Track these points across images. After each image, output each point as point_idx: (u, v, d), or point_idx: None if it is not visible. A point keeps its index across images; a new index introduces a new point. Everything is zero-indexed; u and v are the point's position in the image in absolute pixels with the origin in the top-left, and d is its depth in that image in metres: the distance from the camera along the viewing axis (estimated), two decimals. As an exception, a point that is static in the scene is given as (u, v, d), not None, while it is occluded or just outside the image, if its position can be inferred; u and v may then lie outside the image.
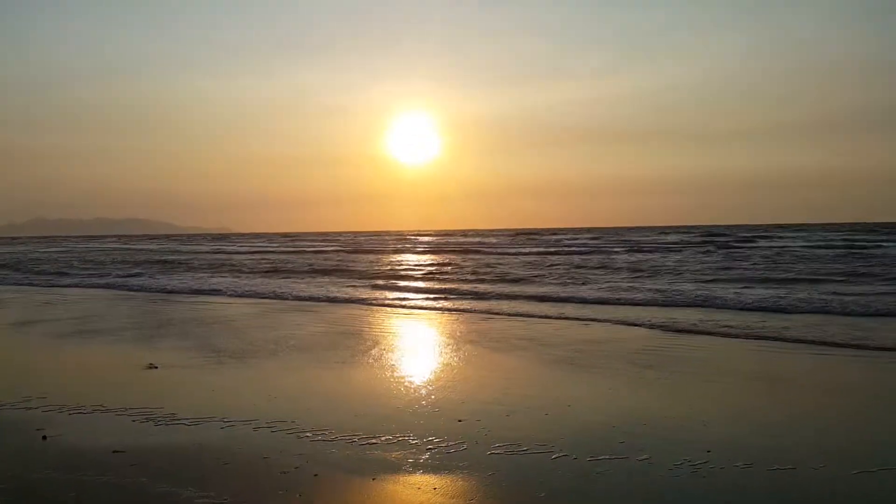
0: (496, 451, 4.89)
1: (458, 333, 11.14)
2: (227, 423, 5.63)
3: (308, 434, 5.29)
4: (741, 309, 13.45)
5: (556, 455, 4.80)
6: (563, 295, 16.58)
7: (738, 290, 16.76)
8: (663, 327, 11.21)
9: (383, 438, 5.19)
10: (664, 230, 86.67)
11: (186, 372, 8.01)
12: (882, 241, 42.53)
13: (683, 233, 71.19)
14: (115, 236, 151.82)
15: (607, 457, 4.76)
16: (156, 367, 7.90)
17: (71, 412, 6.03)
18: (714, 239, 52.40)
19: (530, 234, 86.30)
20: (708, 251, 36.65)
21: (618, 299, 15.49)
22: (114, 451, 4.92)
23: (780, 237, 53.40)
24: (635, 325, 11.61)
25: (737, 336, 10.26)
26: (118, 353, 9.42)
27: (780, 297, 14.92)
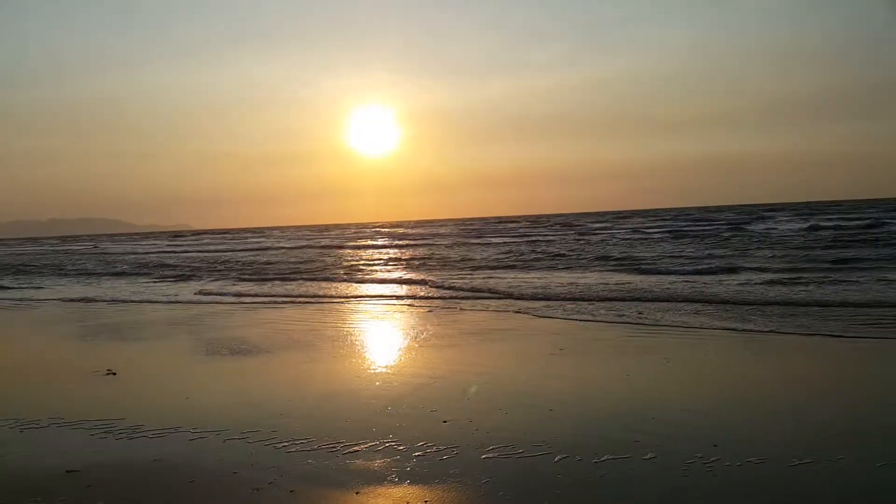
0: (490, 455, 4.48)
1: (432, 326, 10.69)
2: (196, 434, 5.15)
3: (285, 444, 4.84)
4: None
5: (558, 457, 4.40)
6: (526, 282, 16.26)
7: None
8: (636, 321, 10.91)
9: (365, 445, 4.75)
10: (622, 214, 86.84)
11: (150, 377, 7.50)
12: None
13: (646, 217, 71.04)
14: (51, 238, 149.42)
15: (610, 456, 4.39)
16: (114, 374, 7.36)
17: (24, 427, 5.50)
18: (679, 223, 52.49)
19: (499, 222, 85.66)
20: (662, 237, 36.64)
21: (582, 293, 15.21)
22: (67, 471, 4.42)
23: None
24: (603, 321, 11.29)
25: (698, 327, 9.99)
26: (75, 359, 8.84)
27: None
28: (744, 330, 9.17)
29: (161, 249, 51.10)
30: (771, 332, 8.95)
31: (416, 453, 4.56)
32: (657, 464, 4.28)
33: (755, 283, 14.25)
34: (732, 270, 17.53)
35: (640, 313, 10.99)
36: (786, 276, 15.45)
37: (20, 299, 17.83)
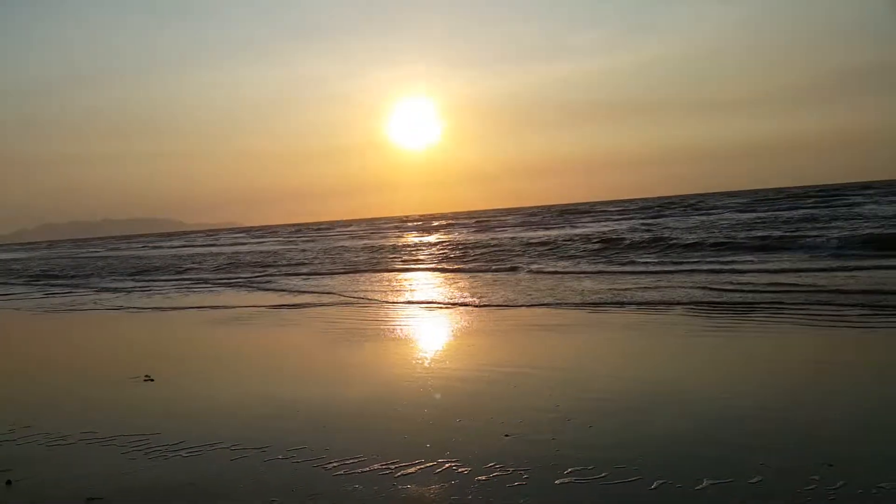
0: (567, 480, 3.85)
1: (484, 324, 10.06)
2: (237, 452, 4.65)
3: (334, 463, 4.29)
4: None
5: (655, 483, 3.73)
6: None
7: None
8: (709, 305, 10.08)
9: (420, 466, 4.17)
10: (667, 202, 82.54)
11: (188, 383, 7.06)
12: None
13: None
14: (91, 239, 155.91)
15: (711, 481, 3.71)
16: (151, 380, 6.96)
17: (51, 444, 5.09)
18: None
19: (539, 213, 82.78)
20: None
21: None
22: (88, 499, 3.97)
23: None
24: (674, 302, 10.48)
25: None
26: (110, 364, 8.47)
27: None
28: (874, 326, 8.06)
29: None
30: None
31: (479, 477, 3.96)
32: (766, 489, 3.60)
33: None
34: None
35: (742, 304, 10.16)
36: None
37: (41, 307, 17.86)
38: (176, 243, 72.13)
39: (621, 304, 11.00)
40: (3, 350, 10.81)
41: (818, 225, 25.61)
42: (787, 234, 22.52)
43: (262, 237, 71.95)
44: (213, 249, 47.92)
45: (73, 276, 28.79)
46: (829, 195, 48.75)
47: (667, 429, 4.66)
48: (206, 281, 22.11)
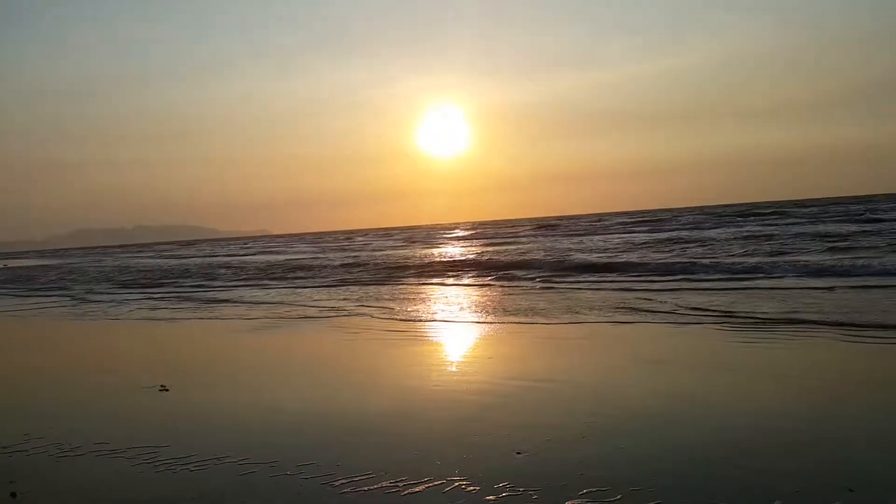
0: (578, 501, 3.70)
1: (498, 337, 9.95)
2: (244, 467, 4.59)
3: (342, 480, 4.21)
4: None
5: (667, 510, 3.61)
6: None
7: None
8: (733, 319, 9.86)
9: (429, 485, 4.07)
10: (697, 211, 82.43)
11: (202, 394, 7.03)
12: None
13: (710, 213, 67.30)
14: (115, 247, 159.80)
15: (728, 507, 3.57)
16: (167, 390, 6.95)
17: (62, 455, 5.07)
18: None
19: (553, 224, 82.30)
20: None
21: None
22: (92, 513, 3.93)
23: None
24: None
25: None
26: (126, 372, 8.47)
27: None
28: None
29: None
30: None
31: (488, 497, 3.86)
32: (787, 515, 3.45)
33: None
34: None
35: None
36: None
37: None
38: (205, 250, 72.82)
39: (641, 318, 10.82)
40: (22, 359, 10.89)
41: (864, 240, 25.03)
42: (820, 247, 22.18)
43: (286, 245, 72.45)
44: (245, 259, 48.24)
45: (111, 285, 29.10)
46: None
47: (684, 448, 4.52)
48: (228, 289, 22.24)
